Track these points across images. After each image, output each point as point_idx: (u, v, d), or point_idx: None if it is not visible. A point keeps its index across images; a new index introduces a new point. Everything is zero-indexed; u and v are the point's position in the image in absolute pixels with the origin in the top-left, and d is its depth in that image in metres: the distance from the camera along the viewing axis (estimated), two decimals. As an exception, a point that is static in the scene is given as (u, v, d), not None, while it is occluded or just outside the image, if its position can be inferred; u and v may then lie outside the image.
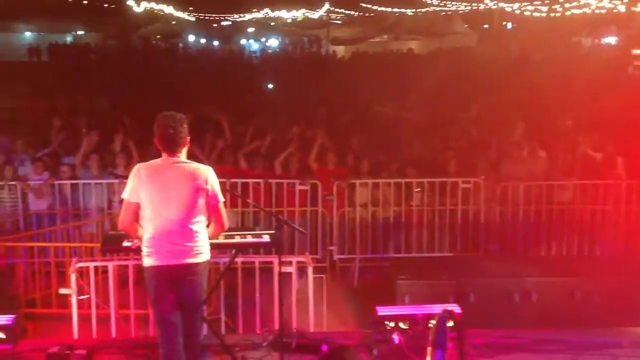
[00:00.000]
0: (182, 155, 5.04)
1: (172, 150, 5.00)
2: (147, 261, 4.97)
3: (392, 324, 5.98)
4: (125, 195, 5.00)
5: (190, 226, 4.95)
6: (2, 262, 8.58)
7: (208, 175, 5.02)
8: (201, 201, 4.97)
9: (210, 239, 5.15)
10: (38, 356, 5.68)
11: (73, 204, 9.53)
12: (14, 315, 6.11)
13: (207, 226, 5.14)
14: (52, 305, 7.81)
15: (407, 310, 6.23)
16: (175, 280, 4.95)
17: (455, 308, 5.58)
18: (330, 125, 12.98)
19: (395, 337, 5.82)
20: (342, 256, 9.63)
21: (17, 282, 8.19)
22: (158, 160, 5.04)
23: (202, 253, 5.03)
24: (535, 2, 28.90)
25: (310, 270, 6.56)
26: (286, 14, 61.71)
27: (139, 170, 4.98)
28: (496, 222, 9.69)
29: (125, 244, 5.55)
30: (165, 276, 4.93)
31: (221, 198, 5.10)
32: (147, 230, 4.97)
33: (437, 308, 6.11)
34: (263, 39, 53.16)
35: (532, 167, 10.10)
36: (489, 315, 6.96)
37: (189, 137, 5.06)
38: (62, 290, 6.64)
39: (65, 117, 12.60)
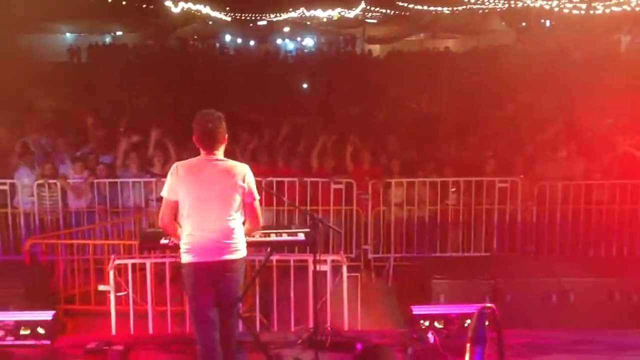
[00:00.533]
0: (220, 152, 5.09)
1: (211, 147, 5.05)
2: (186, 258, 5.03)
3: (427, 323, 5.98)
4: (164, 193, 5.08)
5: (228, 223, 5.00)
6: (43, 259, 8.75)
7: (245, 172, 5.06)
8: (238, 198, 5.02)
9: (245, 236, 5.20)
10: (76, 352, 5.79)
11: (111, 202, 9.66)
12: (54, 312, 6.25)
13: (243, 223, 5.19)
14: (91, 301, 7.92)
15: (442, 310, 6.22)
16: (213, 277, 5.00)
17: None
18: (366, 124, 12.98)
19: (430, 337, 5.82)
20: (377, 255, 9.62)
21: (56, 279, 8.32)
22: (196, 158, 5.11)
23: (240, 250, 5.08)
24: (574, 0, 28.49)
25: (344, 269, 6.57)
26: (322, 13, 61.79)
27: (177, 168, 5.05)
28: (533, 221, 9.57)
29: (163, 241, 5.62)
30: (204, 273, 4.99)
31: (257, 196, 5.14)
32: (185, 228, 5.03)
33: (473, 308, 6.10)
34: (299, 39, 53.26)
35: (570, 167, 9.96)
36: (526, 316, 6.90)
37: (227, 135, 5.11)
38: (101, 287, 6.75)
39: (103, 117, 12.79)
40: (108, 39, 43.02)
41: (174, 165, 5.11)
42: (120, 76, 20.71)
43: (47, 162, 9.96)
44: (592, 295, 7.26)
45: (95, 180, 9.64)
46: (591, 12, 28.00)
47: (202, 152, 5.09)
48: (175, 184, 5.00)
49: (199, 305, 5.07)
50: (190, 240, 5.01)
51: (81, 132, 11.83)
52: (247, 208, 5.15)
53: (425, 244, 9.58)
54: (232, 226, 5.03)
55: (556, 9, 30.38)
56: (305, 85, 19.20)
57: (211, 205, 4.96)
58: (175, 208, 5.04)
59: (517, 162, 10.01)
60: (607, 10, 26.78)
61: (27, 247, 8.18)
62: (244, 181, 5.03)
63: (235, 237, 5.04)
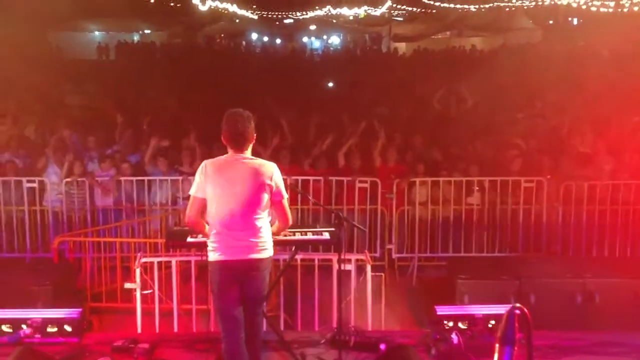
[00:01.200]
0: (248, 152, 5.12)
1: (239, 146, 5.08)
2: (212, 256, 5.07)
3: (450, 324, 5.97)
4: (192, 191, 5.13)
5: (255, 222, 5.03)
6: (71, 256, 8.87)
7: (273, 171, 5.09)
8: (265, 197, 5.05)
9: (274, 235, 5.24)
10: (103, 349, 5.85)
11: (138, 201, 9.76)
12: (81, 309, 6.33)
13: (271, 222, 5.22)
14: (117, 299, 8.00)
15: (466, 310, 6.21)
16: (239, 275, 5.04)
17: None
18: (391, 122, 12.96)
19: (454, 337, 5.80)
20: (401, 255, 9.61)
21: (83, 277, 8.43)
22: (224, 156, 5.14)
23: (266, 249, 5.11)
24: (602, -3, 28.16)
25: (369, 268, 6.58)
26: (348, 11, 61.72)
27: (205, 166, 5.08)
28: (559, 222, 9.49)
29: (189, 239, 5.67)
30: (230, 271, 5.03)
31: (285, 194, 5.18)
32: (212, 226, 5.08)
33: (497, 308, 6.08)
34: (325, 37, 53.28)
35: (597, 166, 9.87)
36: (551, 317, 6.83)
37: (255, 134, 5.15)
38: (127, 285, 6.82)
39: (131, 115, 12.93)
40: (136, 37, 43.37)
41: (203, 163, 5.14)
42: (148, 74, 20.92)
43: (76, 160, 10.09)
44: (618, 296, 7.19)
45: (123, 178, 9.74)
46: (619, 10, 27.65)
47: (230, 150, 5.12)
48: (204, 182, 5.04)
49: (225, 304, 5.10)
50: (217, 238, 5.05)
51: (110, 130, 11.97)
52: (276, 207, 5.19)
53: (449, 243, 9.55)
54: (259, 225, 5.06)
55: (584, 7, 30.03)
56: (331, 84, 19.20)
57: (239, 204, 4.99)
58: (202, 206, 5.09)
59: (544, 161, 9.93)
60: (635, 8, 26.42)
61: (55, 245, 8.30)
62: (271, 180, 5.05)
63: (262, 236, 5.08)
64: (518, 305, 3.20)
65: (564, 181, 9.45)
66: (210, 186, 5.02)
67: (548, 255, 9.34)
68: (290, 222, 5.34)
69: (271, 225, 5.23)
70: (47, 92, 15.68)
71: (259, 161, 5.14)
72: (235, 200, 4.99)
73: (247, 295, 5.11)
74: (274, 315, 6.97)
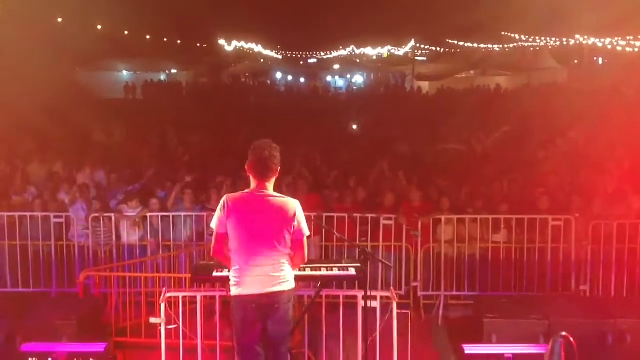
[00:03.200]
0: (271, 184, 5.12)
1: (264, 176, 5.07)
2: (235, 290, 5.06)
3: (479, 363, 5.86)
4: (213, 225, 5.14)
5: (277, 258, 5.03)
6: (96, 291, 8.90)
7: (296, 209, 5.08)
8: (287, 235, 5.04)
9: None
10: (127, 383, 5.83)
11: (163, 236, 9.80)
12: (106, 344, 6.33)
13: (291, 257, 5.20)
14: (142, 334, 7.97)
15: (494, 349, 6.11)
16: (261, 309, 5.02)
17: (543, 348, 5.42)
18: (415, 161, 12.95)
19: (483, 377, 5.70)
20: (427, 292, 9.50)
21: (109, 311, 8.43)
22: (246, 192, 5.14)
23: (288, 281, 5.10)
24: (627, 37, 28.14)
25: (394, 305, 6.51)
26: (372, 51, 62.38)
27: (226, 201, 5.08)
28: (588, 261, 9.35)
29: (215, 274, 5.66)
30: (252, 305, 5.01)
31: (306, 232, 5.15)
32: (234, 261, 5.07)
33: (527, 348, 5.97)
34: (348, 76, 53.75)
35: (625, 205, 9.74)
36: (581, 357, 6.68)
37: (279, 166, 5.14)
38: (152, 320, 6.79)
39: (158, 153, 13.07)
40: (163, 77, 44.08)
41: (224, 198, 5.14)
42: (174, 112, 21.17)
43: (102, 196, 10.19)
44: (650, 337, 7.03)
45: (149, 214, 9.79)
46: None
47: (253, 182, 5.12)
48: (224, 218, 5.04)
49: (247, 339, 5.07)
50: (239, 273, 5.04)
51: (136, 167, 12.10)
52: (295, 244, 5.16)
53: (476, 282, 9.43)
54: (280, 260, 5.06)
55: (609, 46, 30.04)
56: (355, 127, 19.25)
57: (260, 241, 4.99)
58: (225, 239, 5.09)
59: (572, 200, 9.82)
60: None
61: (81, 280, 8.32)
62: (294, 218, 5.04)
63: (283, 269, 5.07)
64: (564, 333, 3.14)
65: (593, 220, 9.33)
66: (232, 222, 5.01)
67: (577, 294, 9.18)
68: (306, 260, 5.32)
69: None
70: (75, 129, 15.92)
71: (281, 199, 5.12)
72: (257, 237, 4.98)
73: (271, 330, 5.07)
74: (299, 353, 6.89)
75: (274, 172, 5.10)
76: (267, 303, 5.01)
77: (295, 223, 5.06)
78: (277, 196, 5.12)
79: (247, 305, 5.02)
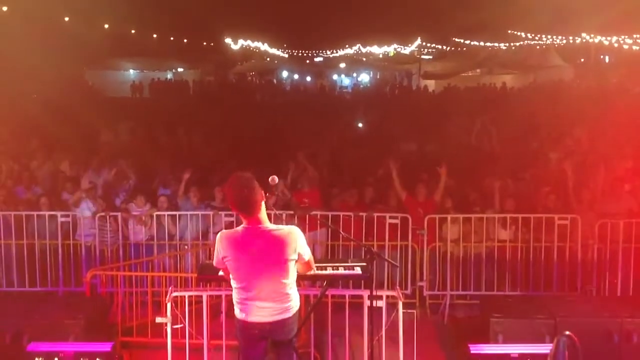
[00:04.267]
0: (263, 214, 4.90)
1: (250, 212, 4.84)
2: (238, 315, 5.02)
3: (484, 363, 5.85)
4: (214, 261, 5.07)
5: (280, 290, 4.93)
6: (103, 290, 8.92)
7: (297, 239, 4.91)
8: (290, 267, 4.93)
9: (298, 273, 5.16)
10: (134, 383, 5.85)
11: (170, 235, 9.82)
12: (112, 343, 6.34)
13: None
14: (148, 334, 7.97)
15: (501, 349, 6.10)
16: (265, 333, 4.99)
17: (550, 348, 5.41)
18: (421, 159, 12.94)
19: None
20: (433, 292, 9.49)
21: (115, 311, 8.45)
22: (241, 228, 4.93)
23: (293, 307, 5.02)
24: (634, 35, 28.06)
25: (400, 305, 6.51)
26: (378, 50, 62.35)
27: (221, 239, 4.94)
28: (594, 260, 9.32)
29: (221, 272, 5.66)
30: (255, 330, 4.98)
31: (308, 255, 5.08)
32: (236, 291, 5.00)
33: (533, 348, 5.96)
34: (354, 74, 53.70)
35: (632, 204, 9.70)
36: (587, 357, 6.67)
37: (263, 193, 4.92)
38: (158, 319, 6.80)
39: (164, 150, 13.09)
40: (169, 75, 44.17)
41: (219, 235, 5.00)
42: (180, 111, 21.23)
43: (109, 195, 10.20)
44: (657, 337, 7.00)
45: (156, 213, 9.80)
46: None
47: (243, 219, 4.91)
48: (222, 253, 4.92)
49: (251, 355, 5.08)
50: (241, 302, 4.97)
51: (142, 166, 12.11)
52: (301, 265, 5.12)
53: (482, 281, 9.41)
54: (284, 291, 4.94)
55: (615, 45, 29.97)
56: (360, 125, 19.26)
57: (260, 277, 4.86)
58: (227, 270, 5.02)
59: (579, 198, 9.79)
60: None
61: (88, 279, 8.34)
62: (295, 251, 4.90)
63: (287, 298, 4.97)
64: (568, 333, 3.14)
65: (599, 219, 9.30)
66: (230, 260, 4.89)
67: (583, 294, 9.15)
68: (314, 269, 5.31)
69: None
70: (81, 128, 15.97)
71: (279, 231, 4.91)
72: (258, 274, 4.85)
73: (275, 344, 5.09)
74: (305, 352, 6.89)
75: (259, 203, 4.86)
76: (271, 329, 4.97)
77: (296, 256, 4.93)
78: (274, 229, 4.93)
79: (250, 329, 4.98)
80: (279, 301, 4.93)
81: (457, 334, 8.42)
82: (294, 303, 5.03)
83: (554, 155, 12.21)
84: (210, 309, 6.94)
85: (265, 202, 4.95)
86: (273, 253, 4.84)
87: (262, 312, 4.92)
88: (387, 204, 10.07)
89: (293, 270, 4.98)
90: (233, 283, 5.00)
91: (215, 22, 53.61)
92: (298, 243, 4.91)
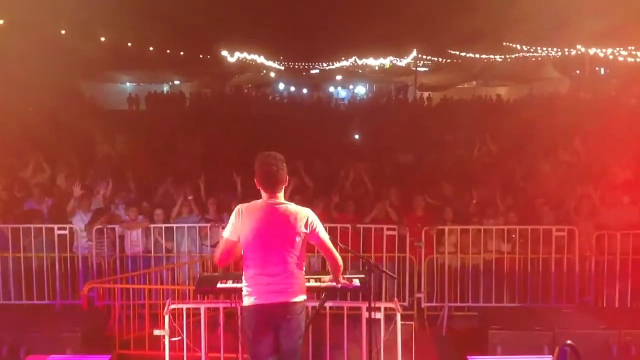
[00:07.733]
0: (281, 194, 5.18)
1: (273, 188, 5.12)
2: (247, 301, 5.09)
3: (483, 375, 5.84)
4: (225, 233, 5.18)
5: (289, 267, 5.06)
6: (100, 303, 8.88)
7: (309, 216, 5.13)
8: (300, 243, 5.08)
9: (335, 280, 5.31)
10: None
11: (166, 248, 9.79)
12: (109, 356, 6.33)
13: (302, 267, 5.22)
14: (145, 347, 7.95)
15: (499, 361, 6.08)
16: (274, 319, 5.05)
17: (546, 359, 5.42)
18: (418, 171, 12.94)
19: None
20: (431, 304, 9.47)
21: (112, 323, 8.41)
22: (259, 201, 5.19)
23: (300, 292, 5.13)
24: (629, 47, 28.21)
25: (398, 317, 6.50)
26: (374, 62, 62.54)
27: (240, 210, 5.14)
28: (592, 271, 9.33)
29: (219, 285, 5.66)
30: (265, 315, 5.04)
31: (326, 236, 5.19)
32: (247, 270, 5.10)
33: (531, 359, 5.96)
34: (350, 86, 53.82)
35: (630, 216, 9.72)
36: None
37: (287, 176, 5.20)
38: (156, 332, 6.80)
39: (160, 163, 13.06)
40: (166, 88, 44.20)
41: (238, 207, 5.20)
42: (177, 123, 21.22)
43: (106, 207, 10.18)
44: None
45: (151, 226, 9.79)
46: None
47: (264, 194, 5.16)
48: (238, 225, 5.09)
49: (260, 349, 5.08)
50: (251, 282, 5.08)
51: (138, 179, 12.08)
52: (322, 250, 5.26)
53: (480, 293, 9.40)
54: (293, 270, 5.09)
55: (611, 57, 30.13)
56: (357, 136, 19.32)
57: (273, 249, 5.04)
58: (233, 249, 5.14)
59: (576, 210, 9.80)
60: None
61: (85, 292, 8.32)
62: (306, 226, 5.09)
63: (296, 280, 5.10)
64: (569, 342, 3.14)
65: (597, 230, 9.31)
66: (245, 230, 5.07)
67: (581, 305, 9.15)
68: (341, 262, 5.35)
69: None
70: (77, 140, 15.93)
71: (294, 207, 5.17)
72: (270, 246, 5.03)
73: (283, 343, 5.09)
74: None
75: (282, 183, 5.17)
76: (279, 313, 5.04)
77: (309, 230, 5.09)
78: (289, 205, 5.18)
79: (259, 315, 5.06)
80: (286, 279, 5.05)
81: (455, 346, 8.40)
82: (301, 288, 5.14)
83: (549, 167, 12.25)
84: (207, 321, 6.91)
85: (285, 188, 5.22)
86: (286, 223, 5.05)
87: (270, 292, 5.01)
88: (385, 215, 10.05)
89: (303, 251, 5.13)
90: (244, 260, 5.11)
91: (211, 35, 53.85)
92: (310, 218, 5.11)
